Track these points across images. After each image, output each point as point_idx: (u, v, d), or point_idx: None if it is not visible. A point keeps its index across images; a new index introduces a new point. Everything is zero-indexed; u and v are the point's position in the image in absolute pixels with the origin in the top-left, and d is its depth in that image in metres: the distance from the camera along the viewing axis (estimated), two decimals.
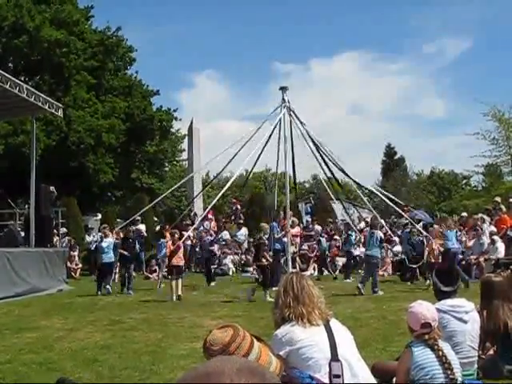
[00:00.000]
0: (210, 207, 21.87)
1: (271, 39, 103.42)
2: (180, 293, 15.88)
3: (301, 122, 17.95)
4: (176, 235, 17.03)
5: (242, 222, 26.83)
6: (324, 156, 18.67)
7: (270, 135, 18.04)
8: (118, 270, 20.42)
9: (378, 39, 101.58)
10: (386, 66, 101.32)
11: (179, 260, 16.56)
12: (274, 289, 15.27)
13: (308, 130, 18.24)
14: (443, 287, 5.65)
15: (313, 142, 18.46)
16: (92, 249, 23.65)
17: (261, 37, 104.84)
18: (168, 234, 18.30)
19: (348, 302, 13.92)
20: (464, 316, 5.49)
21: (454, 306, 5.50)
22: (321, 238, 22.83)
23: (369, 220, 24.25)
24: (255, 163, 19.23)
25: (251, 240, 25.44)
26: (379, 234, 17.01)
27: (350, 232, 21.46)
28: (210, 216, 26.26)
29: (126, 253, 17.78)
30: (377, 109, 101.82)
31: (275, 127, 17.97)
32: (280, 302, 4.14)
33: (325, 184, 21.12)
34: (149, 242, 23.67)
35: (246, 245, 25.54)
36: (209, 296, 16.15)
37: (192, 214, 26.40)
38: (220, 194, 21.21)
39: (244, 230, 26.06)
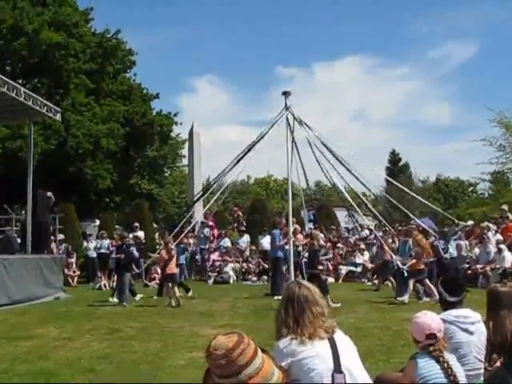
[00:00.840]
0: (204, 210, 21.88)
1: (274, 43, 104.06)
2: (177, 298, 16.19)
3: (309, 127, 17.95)
4: (170, 244, 17.32)
5: (243, 229, 26.83)
6: (331, 160, 18.65)
7: (260, 139, 18.04)
8: (115, 278, 20.51)
9: (382, 43, 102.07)
10: (391, 70, 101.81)
11: (173, 268, 17.08)
12: (275, 298, 15.26)
13: (315, 134, 18.23)
14: (449, 297, 5.63)
15: (316, 147, 18.43)
16: (92, 256, 23.67)
17: (263, 40, 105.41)
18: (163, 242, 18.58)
19: (351, 312, 13.89)
20: (470, 327, 5.46)
21: (460, 317, 5.48)
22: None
23: (372, 227, 24.26)
24: (238, 166, 19.18)
25: (253, 248, 25.46)
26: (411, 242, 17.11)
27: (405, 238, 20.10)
28: (210, 223, 26.24)
29: (118, 256, 17.75)
30: (381, 114, 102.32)
31: (268, 131, 18.02)
32: (280, 319, 4.11)
33: (341, 188, 20.86)
34: (148, 249, 23.64)
35: (247, 252, 25.53)
36: (209, 305, 16.12)
37: (192, 220, 26.41)
38: (215, 198, 21.29)
39: (246, 237, 26.06)
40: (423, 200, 20.97)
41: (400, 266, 16.80)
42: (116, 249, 18.51)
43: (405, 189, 21.01)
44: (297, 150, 18.41)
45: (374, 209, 22.04)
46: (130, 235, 20.47)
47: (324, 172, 18.84)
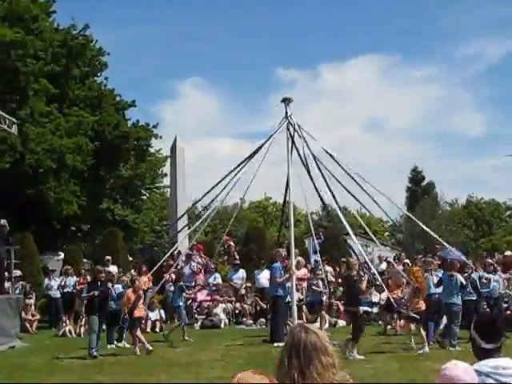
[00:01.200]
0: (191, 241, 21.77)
1: (272, 40, 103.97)
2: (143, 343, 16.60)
3: (313, 138, 18.03)
4: (137, 282, 17.56)
5: (238, 262, 26.73)
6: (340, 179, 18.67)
7: (255, 153, 18.12)
8: (83, 323, 20.57)
9: (401, 40, 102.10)
10: (411, 72, 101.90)
11: (141, 311, 17.58)
12: (275, 345, 15.22)
13: (321, 147, 18.30)
14: (484, 344, 5.59)
15: (317, 166, 18.45)
16: (56, 296, 23.58)
17: (259, 37, 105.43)
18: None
19: (366, 362, 13.84)
20: (510, 380, 5.44)
21: (498, 368, 5.44)
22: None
23: (391, 260, 24.25)
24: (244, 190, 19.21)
25: (248, 285, 25.36)
26: (460, 277, 17.08)
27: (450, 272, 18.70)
28: (195, 254, 26.18)
29: (92, 293, 17.66)
30: (399, 124, 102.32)
31: (264, 144, 18.09)
32: (282, 371, 4.07)
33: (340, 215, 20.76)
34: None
35: (242, 290, 25.39)
36: (195, 353, 16.05)
37: (176, 252, 26.36)
38: (198, 223, 21.27)
39: (241, 273, 25.90)
40: (437, 237, 20.59)
41: (409, 314, 16.76)
42: (88, 286, 18.39)
43: (418, 222, 20.65)
44: (306, 165, 18.41)
45: (390, 238, 22.02)
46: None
47: (330, 193, 18.83)
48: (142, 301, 17.55)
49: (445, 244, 19.59)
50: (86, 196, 36.96)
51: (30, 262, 26.51)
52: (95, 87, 39.83)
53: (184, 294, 20.47)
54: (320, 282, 20.99)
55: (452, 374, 4.67)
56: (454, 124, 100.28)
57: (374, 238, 21.16)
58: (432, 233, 18.73)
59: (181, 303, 19.73)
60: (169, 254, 20.98)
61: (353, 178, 18.34)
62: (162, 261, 19.92)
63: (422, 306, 16.49)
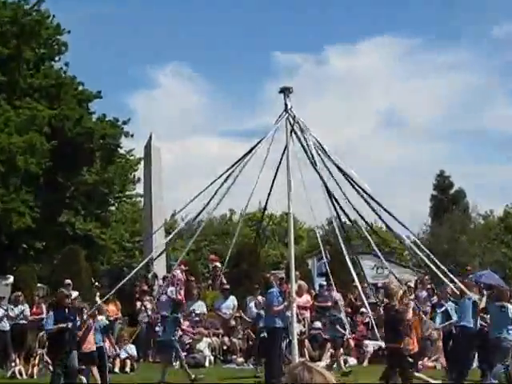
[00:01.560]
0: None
1: (269, 19, 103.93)
2: None
3: (318, 142, 17.95)
4: (85, 310, 17.51)
5: (227, 287, 26.57)
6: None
7: (243, 155, 18.05)
8: (37, 362, 20.47)
9: (423, 18, 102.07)
10: (436, 56, 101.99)
11: (90, 345, 17.52)
12: None
13: (323, 150, 18.22)
14: None
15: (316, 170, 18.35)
16: (4, 329, 23.52)
17: (252, 14, 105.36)
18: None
19: None
20: None
21: None
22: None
23: (412, 284, 24.18)
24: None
25: (238, 314, 25.24)
26: None
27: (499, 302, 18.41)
28: (179, 276, 26.12)
29: (65, 325, 17.58)
30: (421, 120, 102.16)
31: (255, 145, 18.02)
32: None
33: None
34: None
35: (232, 321, 25.28)
36: None
37: (150, 275, 26.32)
38: (172, 235, 21.18)
39: (231, 301, 25.74)
40: (449, 274, 20.31)
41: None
42: (54, 315, 18.24)
43: (429, 252, 20.29)
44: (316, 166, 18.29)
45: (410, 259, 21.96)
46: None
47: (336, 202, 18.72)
48: (91, 332, 17.53)
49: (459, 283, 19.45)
50: (41, 206, 36.89)
51: None
52: (52, 74, 39.80)
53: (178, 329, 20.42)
54: (343, 316, 21.01)
55: None
56: (488, 120, 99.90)
57: (382, 258, 21.09)
58: (446, 270, 18.46)
59: (172, 338, 19.61)
60: (133, 273, 20.67)
61: (354, 187, 18.27)
62: (123, 281, 19.66)
63: (415, 347, 16.59)
